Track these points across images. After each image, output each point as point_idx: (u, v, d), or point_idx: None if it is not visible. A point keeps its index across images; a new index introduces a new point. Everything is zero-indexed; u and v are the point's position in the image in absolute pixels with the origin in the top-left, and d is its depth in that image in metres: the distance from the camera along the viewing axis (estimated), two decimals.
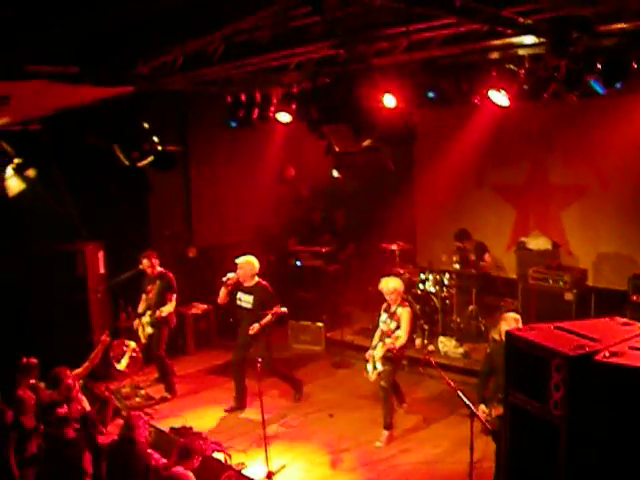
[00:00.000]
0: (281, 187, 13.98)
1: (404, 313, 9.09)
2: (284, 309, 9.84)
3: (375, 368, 9.16)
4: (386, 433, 9.14)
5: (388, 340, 9.05)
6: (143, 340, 10.83)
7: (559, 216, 12.65)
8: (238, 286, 10.04)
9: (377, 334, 9.35)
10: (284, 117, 9.99)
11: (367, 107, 6.81)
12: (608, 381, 4.66)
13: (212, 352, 12.66)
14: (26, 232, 10.81)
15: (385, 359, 9.07)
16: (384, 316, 9.28)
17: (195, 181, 12.51)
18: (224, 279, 10.02)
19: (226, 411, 10.16)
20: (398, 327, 9.06)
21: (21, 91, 5.75)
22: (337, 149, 7.66)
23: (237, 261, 10.01)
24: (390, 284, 9.23)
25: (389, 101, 7.59)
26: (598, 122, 11.56)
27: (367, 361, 9.31)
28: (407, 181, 14.50)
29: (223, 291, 10.04)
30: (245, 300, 10.00)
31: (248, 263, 9.98)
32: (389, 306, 9.26)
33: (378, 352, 9.12)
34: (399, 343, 9.01)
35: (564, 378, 4.85)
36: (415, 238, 14.42)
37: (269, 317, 9.77)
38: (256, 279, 10.01)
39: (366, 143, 6.98)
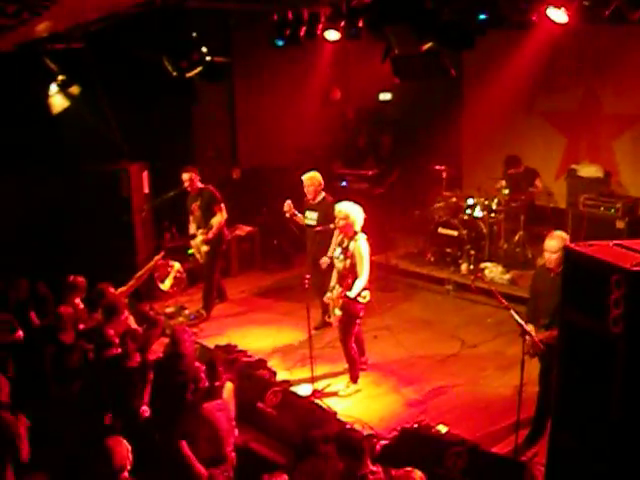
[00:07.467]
0: (326, 109, 13.74)
1: (358, 248, 8.01)
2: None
3: (335, 313, 8.30)
4: (352, 386, 8.50)
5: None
6: (201, 260, 10.76)
7: (610, 145, 12.28)
8: (306, 205, 9.84)
9: (335, 273, 8.38)
10: (333, 35, 9.68)
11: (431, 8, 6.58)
12: None
13: (256, 274, 12.66)
14: (70, 151, 10.76)
15: (342, 305, 8.17)
16: (337, 251, 8.29)
17: (240, 101, 12.31)
18: (285, 209, 9.67)
19: (315, 329, 9.43)
20: (353, 266, 8.01)
21: None
22: (397, 52, 7.41)
23: (303, 178, 9.78)
24: (340, 207, 8.24)
25: None
26: None
27: (328, 305, 8.51)
28: (455, 106, 14.14)
29: (295, 220, 9.77)
30: (310, 217, 9.72)
31: (312, 178, 9.75)
32: (343, 239, 8.22)
33: (335, 294, 8.22)
34: (354, 291, 8.00)
35: (624, 294, 4.70)
36: (461, 164, 14.16)
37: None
38: (322, 195, 9.77)
39: (427, 46, 6.77)
